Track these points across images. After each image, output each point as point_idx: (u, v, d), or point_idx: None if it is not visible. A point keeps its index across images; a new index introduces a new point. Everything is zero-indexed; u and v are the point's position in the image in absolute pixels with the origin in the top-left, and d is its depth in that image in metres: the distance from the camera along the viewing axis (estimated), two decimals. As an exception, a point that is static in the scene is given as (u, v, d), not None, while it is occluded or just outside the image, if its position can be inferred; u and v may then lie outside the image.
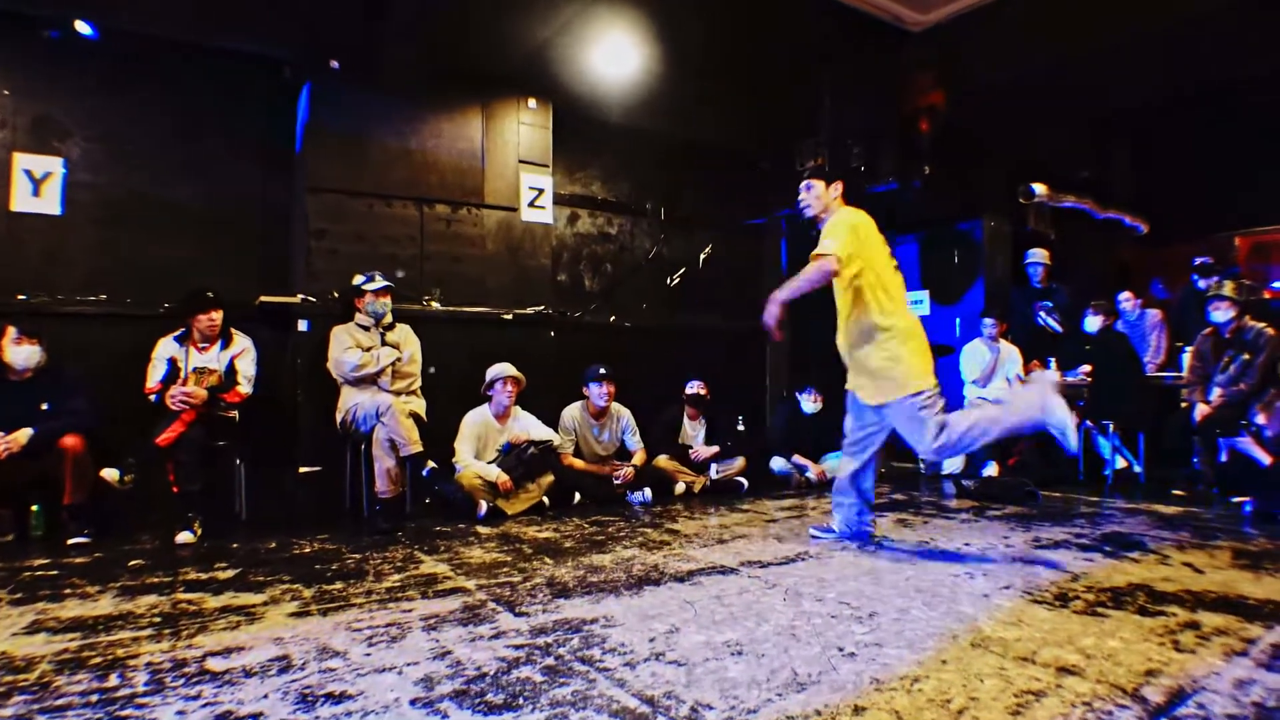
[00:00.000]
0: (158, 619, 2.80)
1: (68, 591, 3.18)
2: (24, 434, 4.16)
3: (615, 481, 5.53)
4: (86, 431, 4.30)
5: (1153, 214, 8.90)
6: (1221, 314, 5.47)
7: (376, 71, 5.66)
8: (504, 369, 5.22)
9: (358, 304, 5.08)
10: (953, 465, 6.74)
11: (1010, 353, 6.59)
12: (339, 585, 3.26)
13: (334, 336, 5.02)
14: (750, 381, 8.07)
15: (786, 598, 3.00)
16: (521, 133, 6.29)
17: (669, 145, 7.49)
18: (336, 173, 5.50)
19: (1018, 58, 6.81)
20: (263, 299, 5.31)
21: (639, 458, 5.80)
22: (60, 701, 2.06)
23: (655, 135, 7.35)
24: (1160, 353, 7.04)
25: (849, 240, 3.70)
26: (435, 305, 5.77)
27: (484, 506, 4.84)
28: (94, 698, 2.09)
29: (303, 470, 5.18)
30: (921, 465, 7.16)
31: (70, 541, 4.10)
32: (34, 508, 4.34)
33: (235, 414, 4.78)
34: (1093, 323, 6.55)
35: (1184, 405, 5.71)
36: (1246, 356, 5.33)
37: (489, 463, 5.05)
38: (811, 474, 6.21)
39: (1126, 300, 7.26)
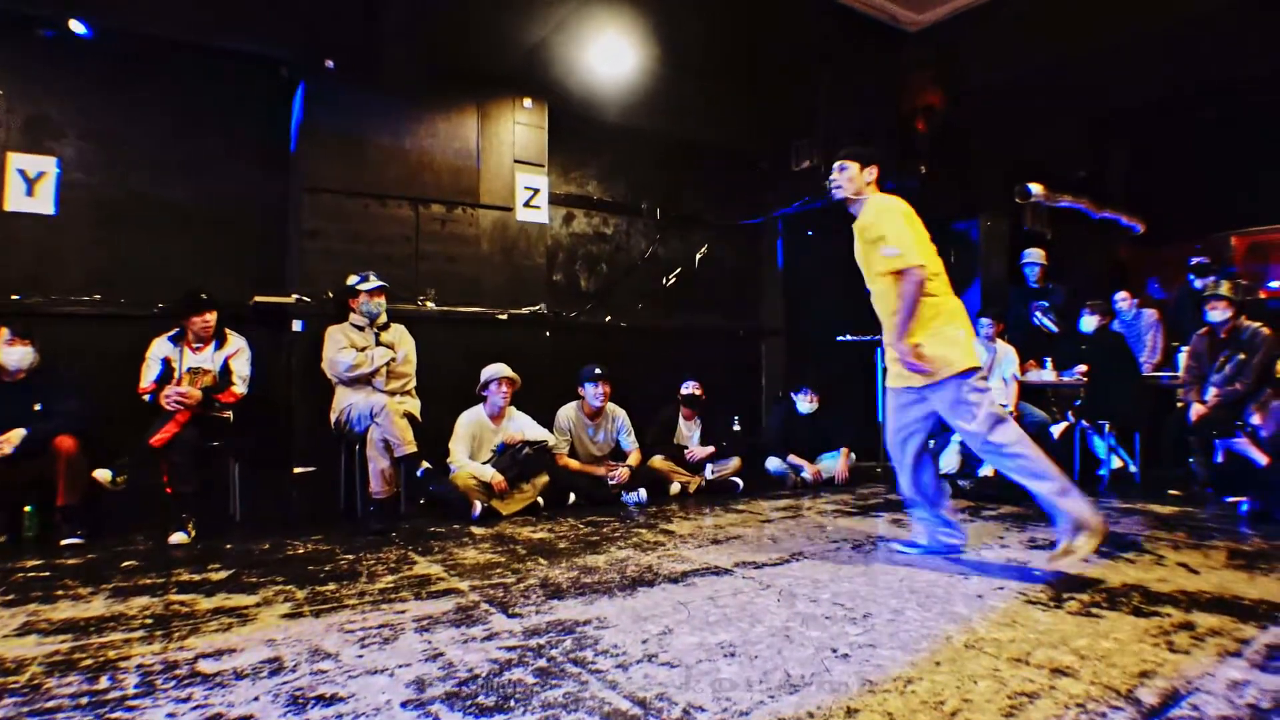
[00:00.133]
0: (150, 620, 2.79)
1: (60, 593, 3.17)
2: (17, 435, 4.16)
3: (610, 482, 5.52)
4: (80, 432, 4.29)
5: (1149, 214, 8.92)
6: (1218, 314, 5.46)
7: (372, 71, 5.65)
8: (499, 369, 5.21)
9: (352, 304, 5.07)
10: (949, 465, 6.73)
11: (1007, 352, 6.59)
12: (332, 586, 3.26)
13: (328, 336, 5.00)
14: (746, 381, 8.06)
15: (781, 599, 3.00)
16: (517, 132, 6.28)
17: (665, 145, 7.48)
18: (332, 172, 5.49)
19: (1014, 58, 6.82)
20: (257, 299, 5.30)
21: (634, 458, 5.79)
22: (50, 704, 2.05)
23: (651, 135, 7.35)
24: (1156, 352, 7.03)
25: (913, 236, 3.49)
26: (430, 305, 5.76)
27: (478, 507, 4.82)
28: (84, 700, 2.08)
29: (297, 471, 5.17)
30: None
31: (63, 542, 4.09)
32: (27, 509, 4.32)
33: (229, 414, 4.78)
34: (1089, 322, 6.55)
35: (1180, 405, 5.71)
36: (1242, 356, 5.33)
37: (484, 463, 5.04)
38: (807, 474, 6.21)
39: (1123, 300, 7.25)
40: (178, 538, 4.20)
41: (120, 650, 2.47)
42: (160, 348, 4.69)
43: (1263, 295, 8.24)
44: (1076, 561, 3.33)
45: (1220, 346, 5.48)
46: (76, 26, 5.01)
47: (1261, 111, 7.77)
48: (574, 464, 5.68)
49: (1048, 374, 6.56)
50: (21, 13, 4.90)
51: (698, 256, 7.76)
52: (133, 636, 2.60)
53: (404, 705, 2.03)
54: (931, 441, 3.86)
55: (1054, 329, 6.98)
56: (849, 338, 7.34)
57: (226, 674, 2.26)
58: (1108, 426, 6.36)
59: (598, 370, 5.68)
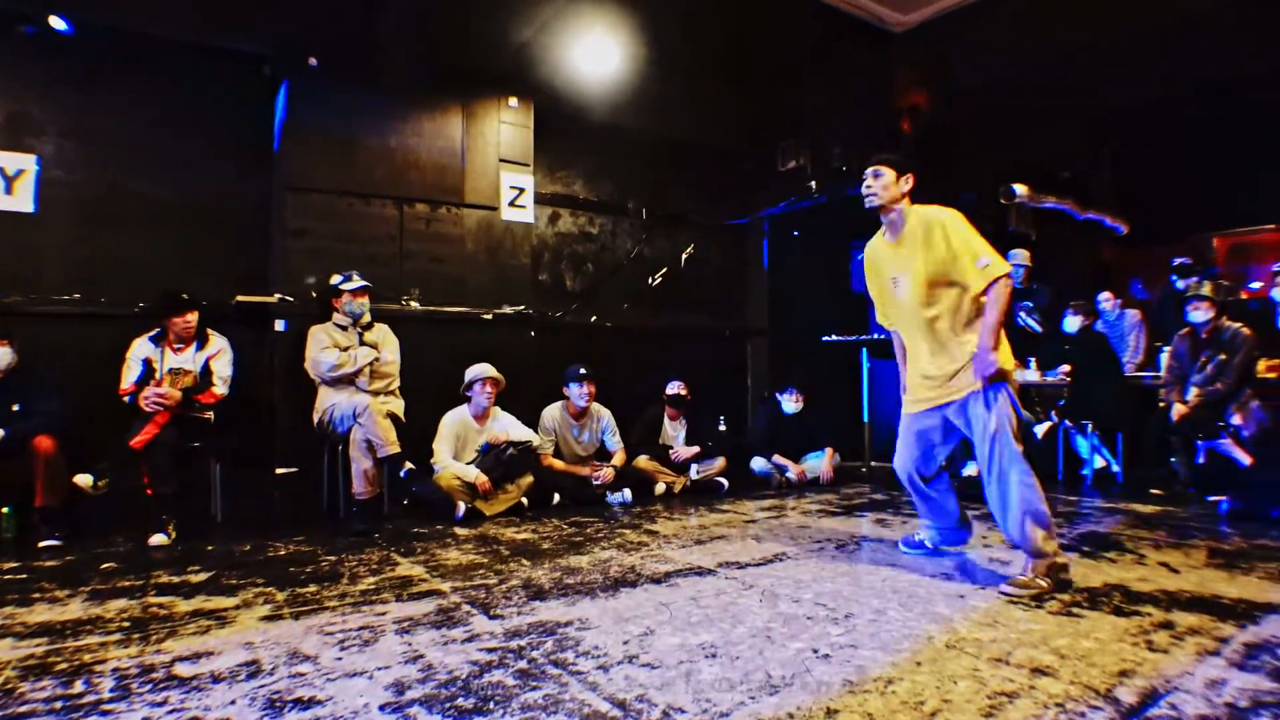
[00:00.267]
0: (127, 623, 2.76)
1: (36, 595, 3.14)
2: (-6, 435, 4.12)
3: (595, 482, 5.51)
4: (59, 433, 4.25)
5: (1133, 215, 8.97)
6: (1199, 314, 5.50)
7: (356, 69, 5.63)
8: (483, 369, 5.19)
9: (335, 304, 5.04)
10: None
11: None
12: (313, 588, 3.23)
13: (311, 336, 4.97)
14: (732, 382, 8.07)
15: (763, 599, 3.00)
16: (502, 131, 6.26)
17: (651, 145, 7.48)
18: (315, 171, 5.46)
19: (999, 59, 6.86)
20: (239, 298, 5.26)
21: (619, 458, 5.78)
22: (24, 708, 2.03)
23: (637, 135, 7.34)
24: (1139, 353, 7.07)
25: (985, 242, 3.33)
26: (414, 305, 5.73)
27: (462, 508, 4.81)
28: (58, 704, 2.05)
29: (279, 471, 5.13)
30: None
31: (41, 544, 4.05)
32: (4, 510, 4.28)
33: (211, 415, 4.74)
34: (1072, 323, 6.58)
35: (1162, 405, 5.74)
36: (1223, 356, 5.36)
37: (468, 463, 5.02)
38: (792, 474, 6.21)
39: (1106, 300, 7.29)
40: (158, 539, 4.16)
41: (96, 654, 2.44)
42: (141, 348, 4.65)
43: (1244, 296, 8.29)
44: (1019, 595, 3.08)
45: (1202, 347, 5.51)
46: (57, 22, 4.97)
47: (1240, 116, 7.82)
48: (559, 464, 5.67)
49: (1031, 374, 6.59)
50: (1, 8, 4.85)
51: (684, 256, 7.76)
52: (109, 639, 2.58)
53: (382, 708, 2.01)
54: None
55: (1038, 329, 7.01)
56: (834, 338, 7.35)
57: (203, 677, 2.24)
58: (1091, 426, 6.40)
59: (583, 370, 5.66)
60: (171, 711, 2.01)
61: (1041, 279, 7.50)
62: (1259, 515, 4.57)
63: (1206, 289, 5.54)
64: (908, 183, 3.42)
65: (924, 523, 3.82)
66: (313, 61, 5.47)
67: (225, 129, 5.56)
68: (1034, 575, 3.11)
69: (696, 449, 6.07)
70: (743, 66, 7.29)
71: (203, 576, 3.46)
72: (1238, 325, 5.43)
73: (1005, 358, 3.26)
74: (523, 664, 2.31)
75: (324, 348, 4.91)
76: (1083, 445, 6.50)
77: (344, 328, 5.04)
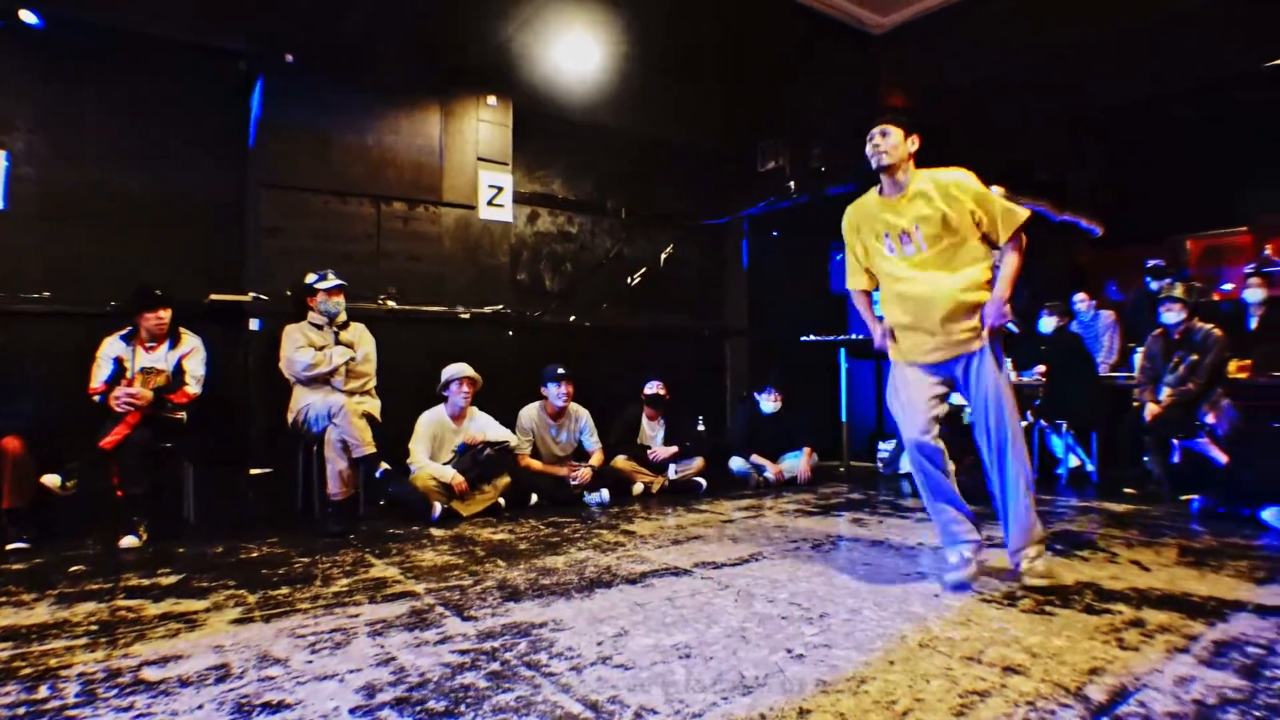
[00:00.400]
0: (94, 627, 2.72)
1: (2, 599, 3.09)
2: (-41, 436, 4.04)
3: (572, 482, 5.49)
4: (26, 433, 4.17)
5: (1108, 216, 9.06)
6: (1172, 315, 5.55)
7: (333, 66, 5.59)
8: (460, 369, 5.16)
9: (310, 303, 5.00)
10: (909, 464, 6.79)
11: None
12: (285, 590, 3.20)
13: (286, 335, 4.93)
14: (711, 381, 8.08)
15: (738, 599, 3.00)
16: (481, 130, 6.24)
17: (631, 144, 7.47)
18: (291, 168, 5.42)
19: (975, 61, 6.90)
20: (213, 297, 5.20)
21: (597, 458, 5.77)
22: (-16, 714, 1.99)
23: (617, 134, 7.33)
24: (1113, 353, 7.15)
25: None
26: (391, 304, 5.70)
27: (438, 508, 4.78)
28: (21, 710, 2.02)
29: (253, 472, 5.09)
30: (880, 464, 7.21)
31: (9, 547, 3.98)
32: (-30, 512, 4.20)
33: (183, 415, 4.67)
34: (1048, 323, 6.64)
35: (1135, 405, 5.80)
36: (1195, 357, 5.42)
37: (444, 464, 5.00)
38: (770, 474, 6.23)
39: (1081, 301, 7.36)
40: (128, 541, 4.11)
41: (62, 658, 2.40)
42: (112, 347, 4.57)
43: (1216, 297, 8.41)
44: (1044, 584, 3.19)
45: (1174, 347, 5.57)
46: (28, 16, 4.89)
47: (1212, 121, 7.92)
48: (536, 464, 5.65)
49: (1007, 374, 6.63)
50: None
51: (663, 256, 7.76)
52: (76, 644, 2.53)
53: (352, 712, 1.99)
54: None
55: (1014, 329, 7.07)
56: (812, 338, 7.38)
57: (171, 682, 2.21)
58: (1065, 426, 6.45)
59: (560, 370, 5.65)
60: (138, 716, 1.98)
61: (1017, 279, 7.54)
62: (1230, 514, 4.62)
63: (1179, 290, 5.59)
64: (914, 143, 3.35)
65: (950, 531, 3.37)
66: (289, 57, 5.43)
67: (200, 125, 5.50)
68: (1048, 564, 3.27)
69: (674, 449, 6.07)
70: (722, 67, 7.31)
71: (173, 579, 3.42)
72: (1209, 326, 5.49)
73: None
74: (495, 666, 2.30)
75: (299, 347, 4.87)
76: (1057, 445, 6.56)
77: (319, 327, 5.00)
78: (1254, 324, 6.40)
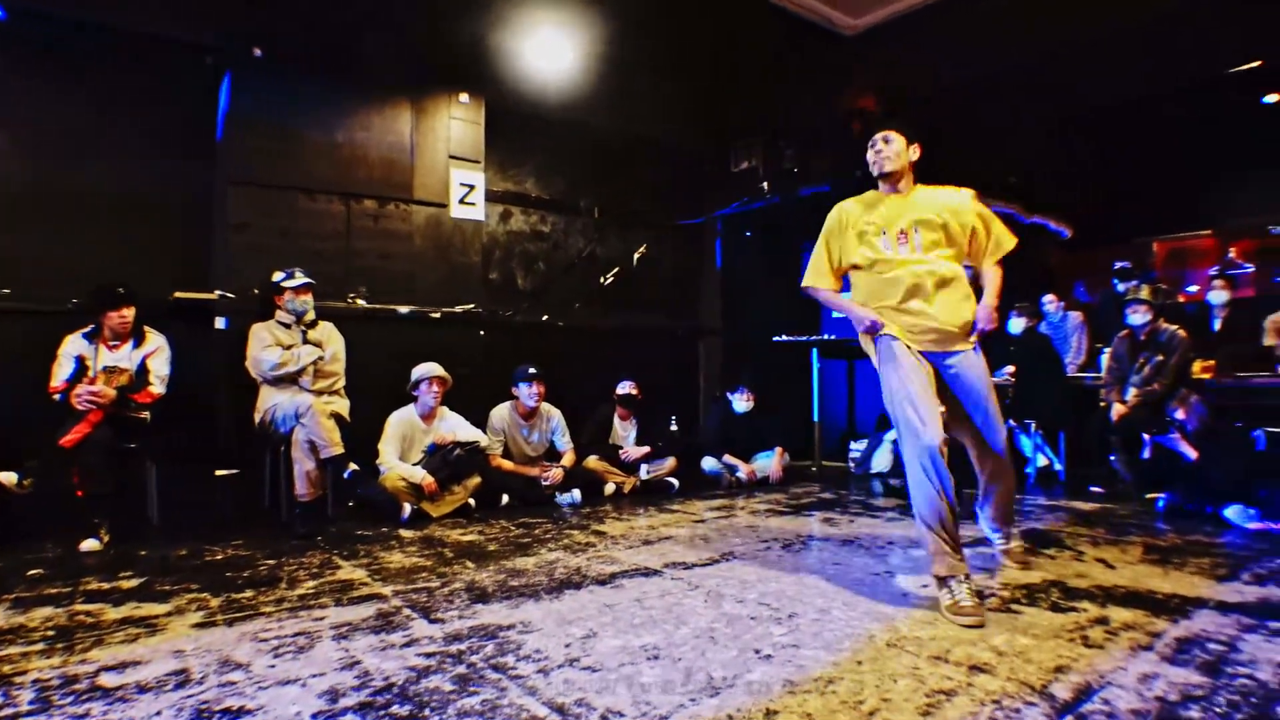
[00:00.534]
0: (51, 632, 2.65)
1: (-45, 603, 3.01)
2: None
3: (544, 483, 5.46)
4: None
5: (1078, 219, 9.17)
6: (1138, 317, 5.62)
7: (302, 61, 5.53)
8: (430, 369, 5.12)
9: (278, 301, 4.94)
10: (881, 464, 6.84)
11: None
12: (249, 593, 3.15)
13: (253, 334, 4.86)
14: (684, 381, 8.08)
15: (708, 599, 2.99)
16: (453, 127, 6.19)
17: (604, 143, 7.45)
18: (259, 164, 5.35)
19: (943, 65, 6.94)
20: (178, 295, 5.12)
21: (568, 458, 5.74)
22: (-68, 723, 1.93)
23: (590, 133, 7.31)
24: (1081, 354, 7.24)
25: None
26: (361, 303, 5.64)
27: (408, 509, 4.73)
28: (-29, 718, 1.96)
29: (219, 473, 5.02)
30: (851, 464, 7.25)
31: (-36, 549, 3.89)
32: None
33: (147, 414, 4.59)
34: (1017, 324, 6.71)
35: (1102, 405, 5.87)
36: (1160, 358, 5.50)
37: (414, 464, 4.95)
38: (742, 474, 6.24)
39: (1050, 302, 7.45)
40: (89, 544, 4.02)
41: (17, 664, 2.34)
42: (74, 345, 4.48)
43: (1181, 299, 8.55)
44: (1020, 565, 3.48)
45: (1140, 348, 5.65)
46: (-11, 8, 4.79)
47: (1179, 126, 8.04)
48: (507, 465, 5.62)
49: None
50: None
51: (636, 256, 7.75)
52: (32, 649, 2.47)
53: (314, 717, 1.96)
54: None
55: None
56: (785, 338, 7.39)
57: (129, 688, 2.16)
58: (1034, 425, 6.52)
59: (532, 370, 5.61)
60: (92, 724, 1.93)
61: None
62: (1197, 511, 4.68)
63: (1145, 292, 5.67)
64: (915, 152, 3.37)
65: (946, 560, 3.12)
66: (257, 52, 5.36)
67: (165, 120, 5.39)
68: (1019, 547, 3.51)
69: (647, 449, 6.06)
70: (696, 67, 7.31)
71: (134, 582, 3.35)
72: (1174, 328, 5.57)
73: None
74: (461, 669, 2.27)
75: (266, 346, 4.80)
76: (1026, 444, 6.63)
77: (287, 326, 4.93)
78: (1218, 325, 6.51)
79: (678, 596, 3.03)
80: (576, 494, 5.46)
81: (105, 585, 3.30)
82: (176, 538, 4.29)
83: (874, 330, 3.24)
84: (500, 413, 5.72)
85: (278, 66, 5.42)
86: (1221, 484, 4.60)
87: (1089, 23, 6.11)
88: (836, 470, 7.26)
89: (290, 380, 4.82)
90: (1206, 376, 5.64)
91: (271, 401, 4.72)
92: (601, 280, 7.49)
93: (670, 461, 6.12)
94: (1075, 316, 7.42)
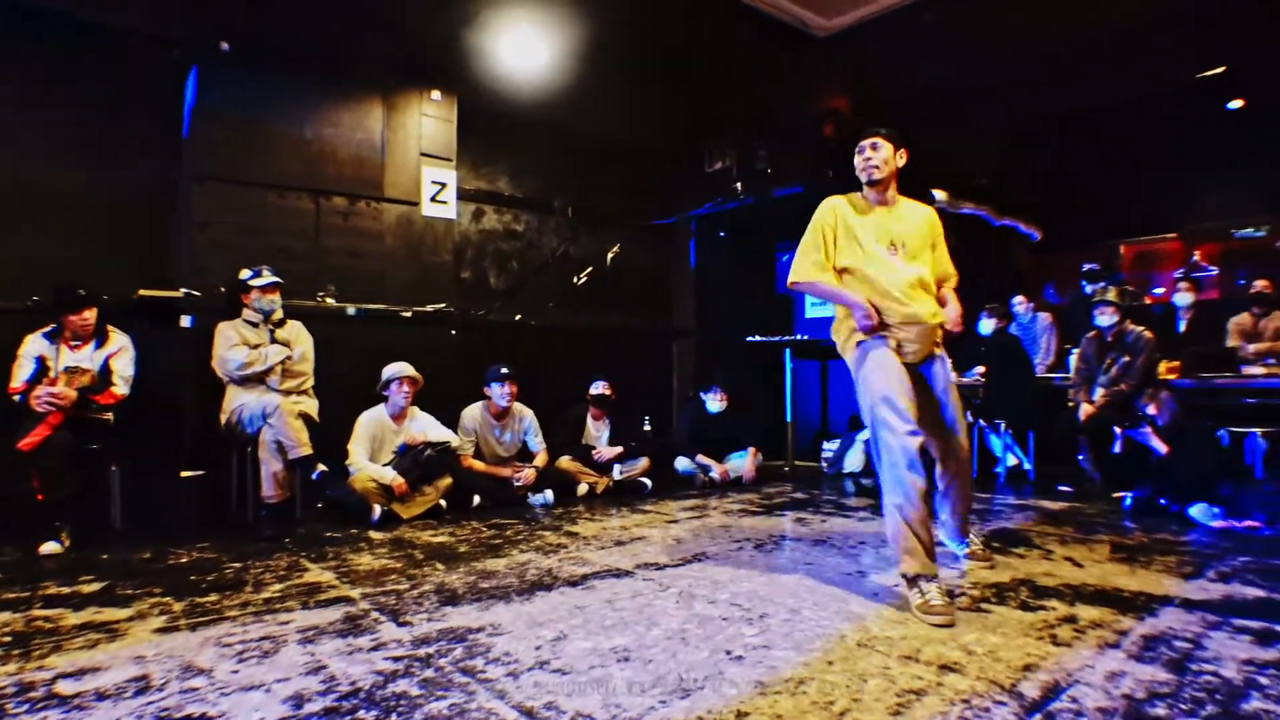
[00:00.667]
0: (8, 638, 2.59)
1: (-93, 609, 2.93)
2: None
3: (516, 483, 5.43)
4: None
5: (1046, 221, 9.29)
6: (1105, 318, 5.69)
7: (271, 56, 5.45)
8: (400, 368, 5.07)
9: (244, 300, 4.86)
10: (853, 464, 6.87)
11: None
12: (213, 597, 3.09)
13: (219, 333, 4.78)
14: (657, 382, 8.07)
15: (680, 600, 2.98)
16: (424, 125, 6.13)
17: (578, 142, 7.42)
18: (226, 161, 5.26)
19: (918, 66, 6.99)
20: (142, 293, 5.01)
21: (541, 459, 5.71)
22: (-121, 734, 1.87)
23: (564, 132, 7.28)
24: (1050, 354, 7.31)
25: None
26: (330, 302, 5.57)
27: (378, 511, 4.68)
28: (-80, 728, 1.91)
29: (184, 474, 4.92)
30: (823, 464, 7.28)
31: (-82, 554, 3.79)
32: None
33: (110, 416, 4.49)
34: (987, 325, 6.77)
35: (1070, 405, 5.94)
36: (1127, 358, 5.57)
37: (384, 465, 4.89)
38: (715, 474, 6.23)
39: (1020, 304, 7.52)
40: (49, 548, 3.93)
41: (-31, 672, 2.28)
42: (34, 345, 4.38)
43: (1148, 301, 8.68)
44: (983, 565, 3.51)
45: (1107, 349, 5.72)
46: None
47: (1145, 131, 8.16)
48: (479, 465, 5.57)
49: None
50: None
51: (610, 255, 7.72)
52: (-14, 656, 2.41)
53: (277, 723, 1.92)
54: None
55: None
56: (758, 338, 7.41)
57: (87, 695, 2.11)
58: (1004, 425, 6.58)
59: (504, 370, 5.57)
60: (47, 733, 1.89)
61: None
62: (1170, 507, 4.74)
63: (1112, 294, 5.74)
64: (902, 158, 3.42)
65: (920, 558, 2.98)
66: (224, 46, 5.27)
67: (129, 115, 5.28)
68: (979, 549, 3.54)
69: (620, 449, 6.04)
70: (669, 66, 7.30)
71: (95, 587, 3.28)
72: (1140, 329, 5.65)
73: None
74: (429, 672, 2.24)
75: (232, 345, 4.73)
76: (996, 444, 6.68)
77: (254, 324, 4.86)
78: (1183, 327, 6.62)
79: (649, 598, 3.02)
80: (549, 495, 5.43)
81: (65, 590, 3.23)
82: (140, 541, 4.21)
83: (871, 329, 3.25)
84: (472, 413, 5.68)
85: (246, 61, 5.33)
86: (1189, 480, 4.66)
87: (1058, 29, 6.19)
88: (809, 470, 7.28)
89: (257, 380, 4.75)
90: (1172, 377, 5.72)
91: (238, 401, 4.64)
92: (575, 280, 7.46)
93: (643, 462, 6.10)
94: (1044, 318, 7.50)
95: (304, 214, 5.55)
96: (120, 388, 4.47)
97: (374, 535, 4.39)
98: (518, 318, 6.97)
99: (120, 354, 4.54)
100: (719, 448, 6.42)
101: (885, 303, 3.29)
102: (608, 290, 7.67)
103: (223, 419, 4.72)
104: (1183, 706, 1.99)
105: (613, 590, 3.13)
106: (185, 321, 5.03)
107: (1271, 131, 7.70)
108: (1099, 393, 5.67)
